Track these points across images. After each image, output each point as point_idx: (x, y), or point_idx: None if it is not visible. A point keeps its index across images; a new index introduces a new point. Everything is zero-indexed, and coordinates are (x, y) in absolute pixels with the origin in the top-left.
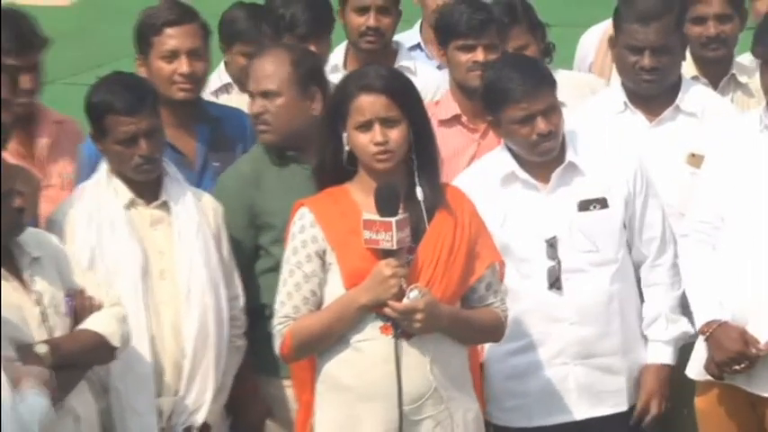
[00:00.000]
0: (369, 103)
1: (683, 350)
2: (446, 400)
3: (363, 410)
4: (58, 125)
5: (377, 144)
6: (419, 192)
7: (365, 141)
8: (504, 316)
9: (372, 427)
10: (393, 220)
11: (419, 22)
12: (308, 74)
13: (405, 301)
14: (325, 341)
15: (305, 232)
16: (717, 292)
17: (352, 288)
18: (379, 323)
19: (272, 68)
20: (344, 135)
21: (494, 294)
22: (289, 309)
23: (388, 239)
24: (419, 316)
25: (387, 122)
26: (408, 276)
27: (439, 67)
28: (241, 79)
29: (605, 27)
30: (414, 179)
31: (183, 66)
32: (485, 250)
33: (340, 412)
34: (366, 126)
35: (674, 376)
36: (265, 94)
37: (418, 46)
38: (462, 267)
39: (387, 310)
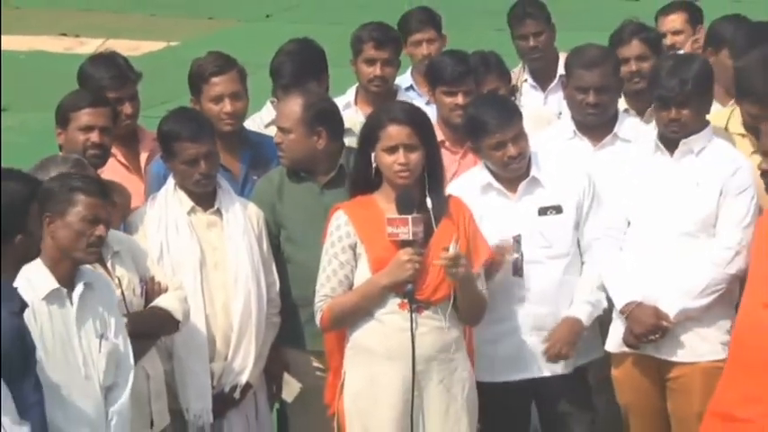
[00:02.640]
0: (396, 132)
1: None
2: (448, 361)
3: (384, 368)
4: (154, 142)
5: (400, 164)
6: (429, 202)
7: (390, 161)
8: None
9: (391, 381)
10: (410, 217)
11: (410, 68)
12: (316, 116)
13: (450, 251)
14: (354, 315)
15: (340, 229)
16: (629, 280)
17: (377, 273)
18: (398, 300)
19: (288, 110)
20: (373, 155)
21: (482, 283)
22: (327, 290)
23: (406, 232)
24: (463, 261)
25: (408, 148)
26: (421, 265)
27: (427, 103)
28: None
29: None
30: (425, 192)
31: (226, 106)
32: (481, 246)
33: (365, 370)
34: (392, 149)
35: None
36: (282, 129)
37: (411, 87)
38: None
39: (438, 261)
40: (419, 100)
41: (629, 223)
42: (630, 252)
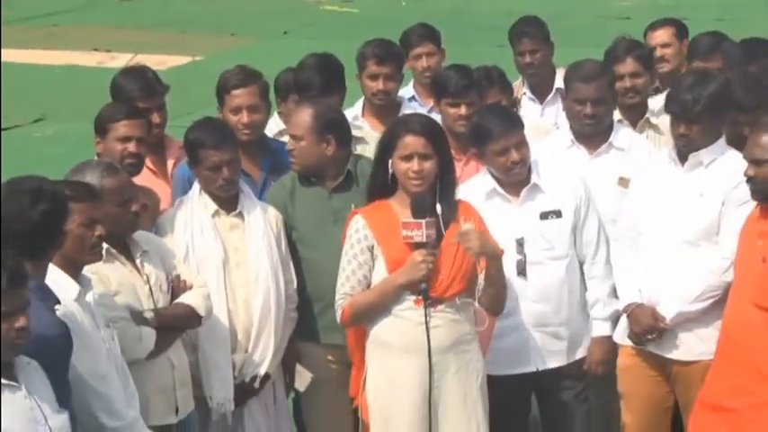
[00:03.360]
0: (412, 142)
1: None
2: (462, 352)
3: (402, 361)
4: (180, 150)
5: (414, 172)
6: (438, 207)
7: (405, 168)
8: None
9: (409, 373)
10: (423, 221)
11: (411, 81)
12: (325, 125)
13: (462, 229)
14: (373, 312)
15: (359, 232)
16: (636, 282)
17: (393, 272)
18: (413, 298)
19: (299, 119)
20: (390, 162)
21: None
22: (347, 288)
23: (420, 235)
24: (472, 235)
25: (423, 157)
26: (434, 265)
27: (429, 113)
28: None
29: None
30: (436, 198)
31: (243, 118)
32: (495, 241)
33: (385, 364)
34: (408, 158)
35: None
36: (294, 137)
37: (414, 98)
38: (472, 259)
39: (455, 238)
40: (421, 110)
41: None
42: (639, 256)
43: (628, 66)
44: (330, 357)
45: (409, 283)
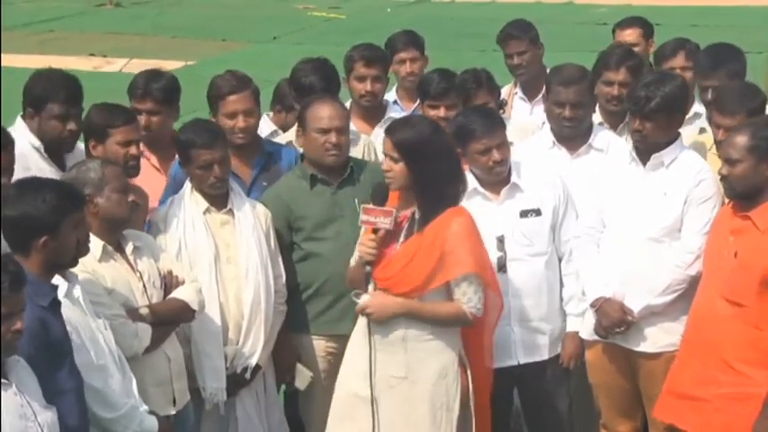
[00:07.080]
0: (386, 142)
1: None
2: (413, 350)
3: (354, 338)
4: None
5: (383, 169)
6: (416, 213)
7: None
8: (470, 312)
9: (354, 348)
10: (371, 206)
11: (395, 85)
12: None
13: (360, 303)
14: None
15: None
16: (602, 277)
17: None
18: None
19: (343, 112)
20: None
21: (462, 295)
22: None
23: (367, 219)
24: (369, 310)
25: (391, 158)
26: (381, 254)
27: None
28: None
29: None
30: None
31: (239, 122)
32: (456, 261)
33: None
34: (385, 155)
35: None
36: (340, 130)
37: (395, 102)
38: (427, 273)
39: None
40: (402, 114)
41: (604, 225)
42: (604, 252)
43: (620, 75)
44: (333, 350)
45: (357, 263)
